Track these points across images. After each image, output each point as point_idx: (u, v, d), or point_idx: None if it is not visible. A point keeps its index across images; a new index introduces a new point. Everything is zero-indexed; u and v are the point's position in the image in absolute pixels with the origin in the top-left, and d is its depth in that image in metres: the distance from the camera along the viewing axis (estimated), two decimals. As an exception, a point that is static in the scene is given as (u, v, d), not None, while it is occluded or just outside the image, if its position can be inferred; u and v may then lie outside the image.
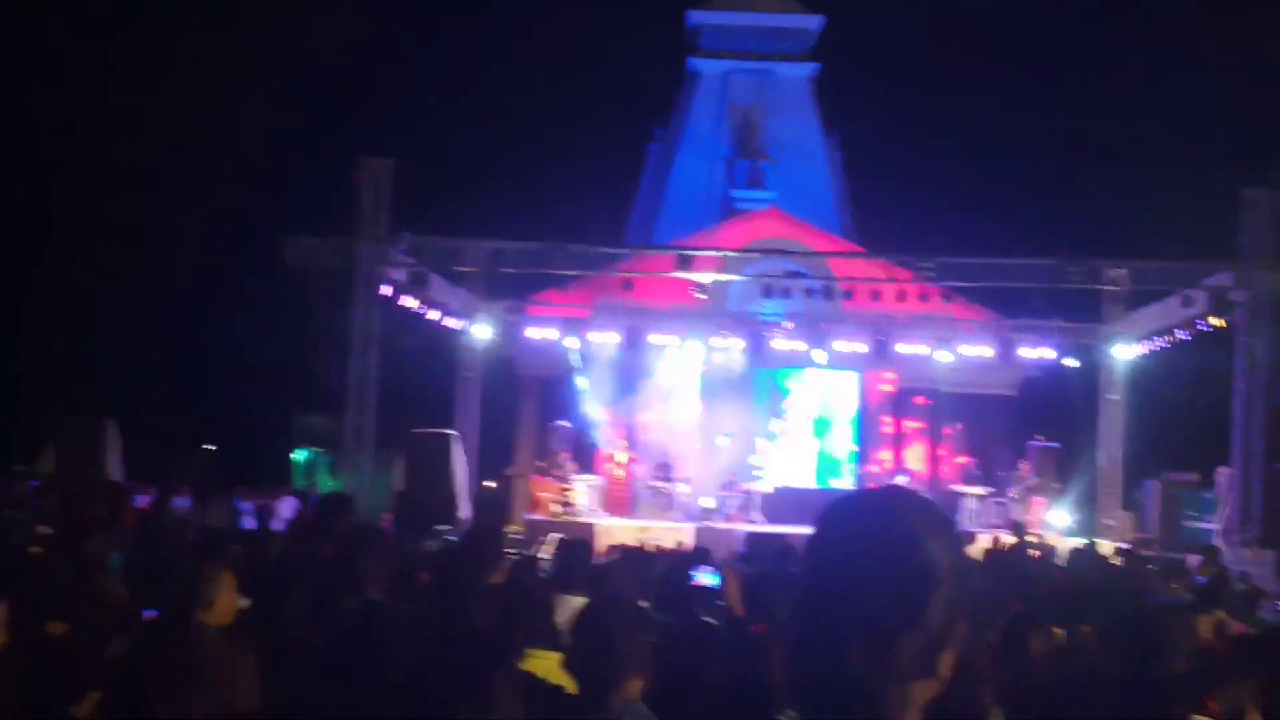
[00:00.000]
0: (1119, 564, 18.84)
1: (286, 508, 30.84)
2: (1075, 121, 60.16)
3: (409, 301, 28.97)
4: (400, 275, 28.28)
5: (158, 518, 23.63)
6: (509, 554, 9.45)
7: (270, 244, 27.64)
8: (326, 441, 34.29)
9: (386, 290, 27.85)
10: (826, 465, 35.62)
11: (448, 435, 30.74)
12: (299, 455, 37.83)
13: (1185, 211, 38.35)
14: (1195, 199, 37.81)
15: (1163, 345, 30.42)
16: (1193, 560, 21.77)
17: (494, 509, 34.20)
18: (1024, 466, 32.67)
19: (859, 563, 2.80)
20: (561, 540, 9.06)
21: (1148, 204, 46.10)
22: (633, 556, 12.43)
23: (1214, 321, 27.19)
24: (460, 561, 7.68)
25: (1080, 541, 23.17)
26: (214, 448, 46.20)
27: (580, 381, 33.67)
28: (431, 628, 5.84)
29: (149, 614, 7.85)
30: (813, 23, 46.98)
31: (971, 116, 61.20)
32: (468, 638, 5.88)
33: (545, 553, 16.90)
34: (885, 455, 35.88)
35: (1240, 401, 27.08)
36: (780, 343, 33.12)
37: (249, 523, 29.87)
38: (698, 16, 47.08)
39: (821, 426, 35.74)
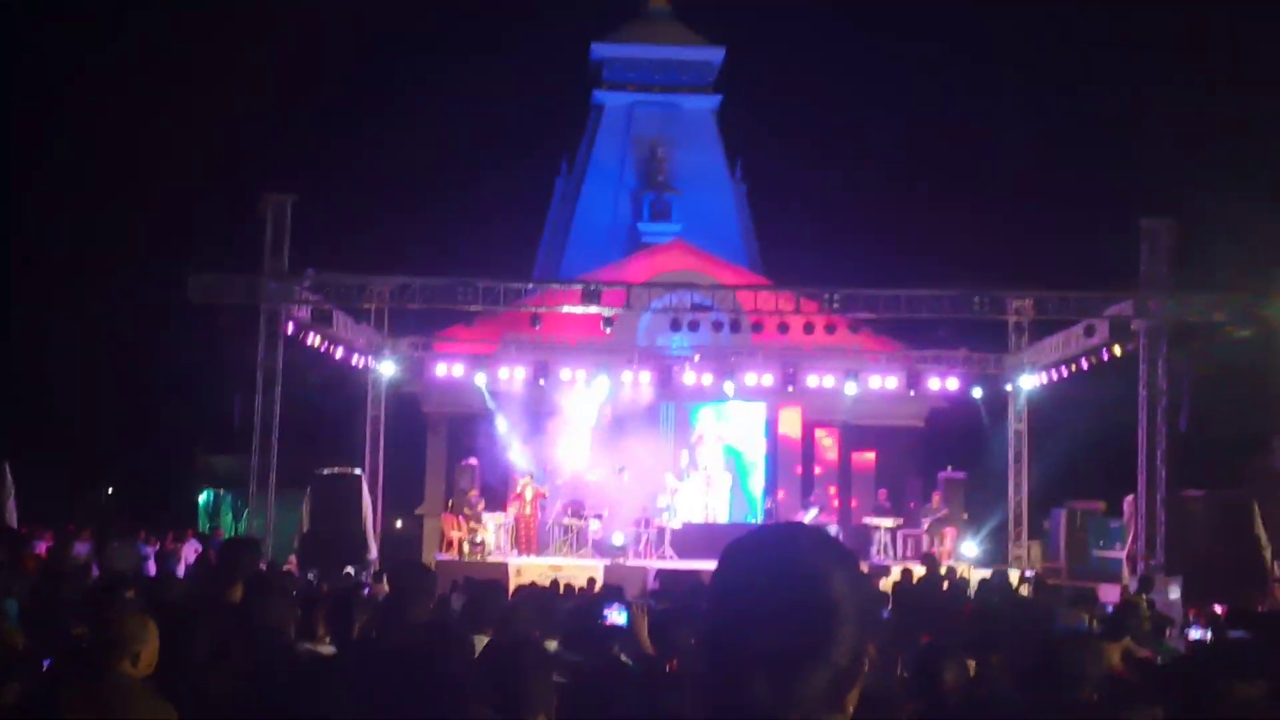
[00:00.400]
0: (1027, 593, 18.91)
1: (190, 551, 30.35)
2: (978, 153, 60.95)
3: (313, 339, 28.66)
4: (304, 312, 27.97)
5: (57, 563, 23.12)
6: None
7: (173, 281, 27.29)
8: (231, 482, 33.83)
9: (290, 327, 27.55)
10: (737, 499, 35.56)
11: (355, 474, 30.39)
12: (203, 497, 37.31)
13: (1087, 241, 38.91)
14: (1096, 229, 38.36)
15: (1067, 374, 30.72)
16: (1109, 590, 21.99)
17: (403, 549, 33.88)
18: (935, 498, 32.80)
19: (762, 598, 2.74)
20: (467, 579, 8.90)
21: (1050, 234, 46.73)
22: (541, 595, 12.28)
23: (1116, 350, 27.49)
24: (396, 602, 7.56)
25: (989, 572, 23.25)
26: (114, 490, 45.45)
27: (500, 422, 33.45)
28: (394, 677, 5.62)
29: (48, 663, 7.60)
30: (715, 55, 47.23)
31: (875, 148, 61.88)
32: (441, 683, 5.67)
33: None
34: (795, 488, 35.89)
35: (1143, 429, 27.38)
36: (689, 376, 33.12)
37: (151, 567, 29.37)
38: (601, 49, 47.18)
39: (731, 460, 35.69)
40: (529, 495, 32.15)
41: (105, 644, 6.30)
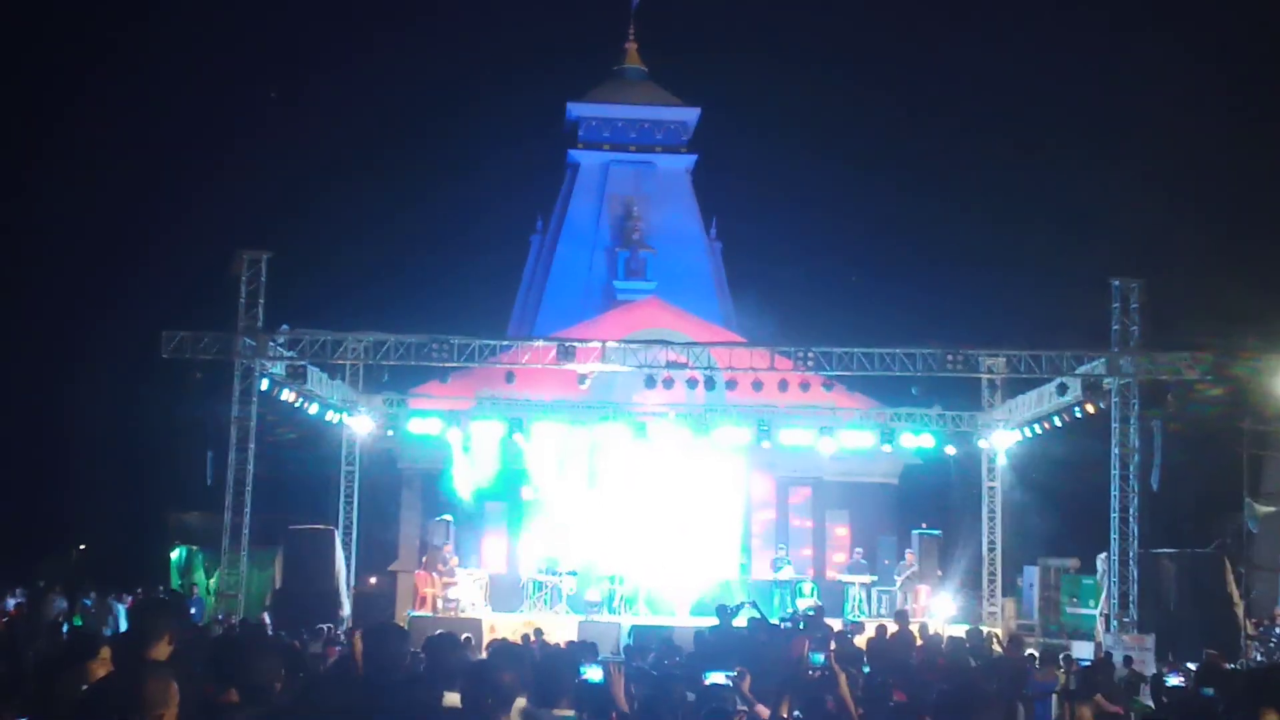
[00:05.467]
0: (999, 651, 18.94)
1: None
2: (951, 212, 61.30)
3: (288, 395, 28.64)
4: (279, 369, 27.97)
5: (27, 621, 22.98)
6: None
7: (147, 336, 27.29)
8: (204, 539, 33.65)
9: (265, 384, 27.53)
10: (714, 556, 35.49)
11: (328, 530, 30.31)
12: (176, 554, 37.09)
13: (1059, 301, 39.16)
14: (1068, 289, 38.63)
15: (1041, 432, 30.86)
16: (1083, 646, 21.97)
17: (377, 605, 33.71)
18: (909, 555, 32.82)
19: None
20: (426, 638, 8.79)
21: (1023, 294, 46.99)
22: (511, 651, 12.23)
23: (1089, 408, 27.65)
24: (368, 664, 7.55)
25: (963, 629, 23.27)
26: (85, 547, 45.11)
27: (471, 474, 33.37)
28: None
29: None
30: (690, 115, 47.54)
31: (848, 208, 62.22)
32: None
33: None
34: (769, 545, 35.84)
35: (1116, 487, 27.49)
36: (664, 433, 33.16)
37: (123, 624, 29.17)
38: (577, 109, 47.45)
39: (708, 517, 35.63)
40: (501, 552, 31.96)
41: (129, 707, 6.28)
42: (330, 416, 32.11)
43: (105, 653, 8.58)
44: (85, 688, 7.30)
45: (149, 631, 8.08)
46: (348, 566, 31.82)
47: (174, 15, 69.55)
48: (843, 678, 9.07)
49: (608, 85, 48.24)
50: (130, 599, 31.33)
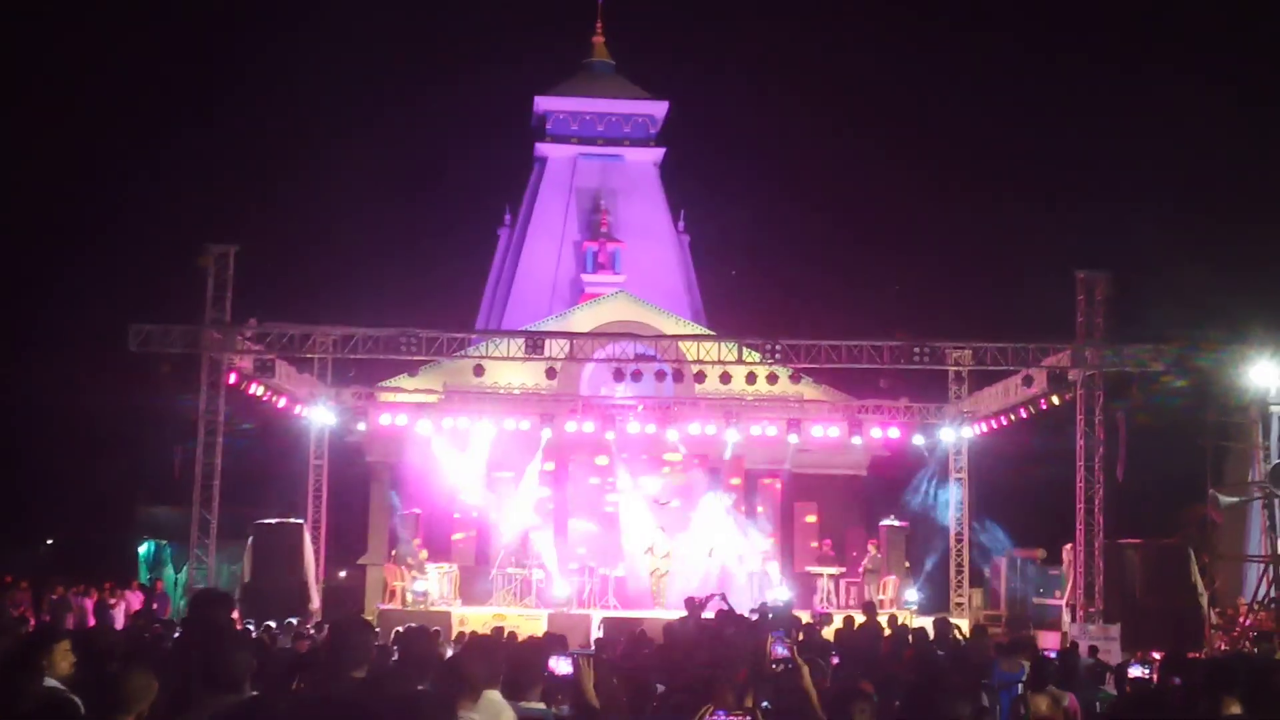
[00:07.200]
0: (964, 641, 19.03)
1: (135, 601, 30.09)
2: (918, 205, 61.54)
3: (256, 389, 28.60)
4: (246, 362, 27.92)
5: (-7, 615, 22.82)
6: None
7: (113, 330, 27.17)
8: (172, 533, 33.55)
9: (232, 377, 27.48)
10: (682, 549, 35.54)
11: (297, 524, 30.26)
12: (143, 548, 36.97)
13: (1024, 294, 39.34)
14: (1033, 281, 38.81)
15: (1007, 424, 31.05)
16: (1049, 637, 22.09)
17: (346, 599, 33.69)
18: (871, 546, 32.96)
19: None
20: (396, 632, 8.83)
21: (988, 287, 47.22)
22: (481, 645, 12.25)
23: (1054, 400, 27.83)
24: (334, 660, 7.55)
25: (930, 619, 23.39)
26: (52, 541, 44.91)
27: (441, 468, 33.36)
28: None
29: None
30: (658, 109, 47.52)
31: (816, 200, 62.35)
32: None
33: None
34: (737, 537, 35.90)
35: (1081, 478, 27.68)
36: (632, 426, 33.25)
37: (90, 618, 29.09)
38: (545, 103, 47.38)
39: (676, 509, 35.68)
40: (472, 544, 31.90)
41: (112, 702, 6.31)
42: (299, 410, 32.08)
43: (65, 645, 8.59)
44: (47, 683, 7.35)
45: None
46: (316, 560, 31.79)
47: (141, 4, 69.29)
48: (805, 669, 9.13)
49: (575, 79, 48.20)
50: (97, 594, 31.25)
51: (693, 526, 34.35)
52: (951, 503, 34.57)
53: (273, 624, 22.77)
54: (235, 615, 26.09)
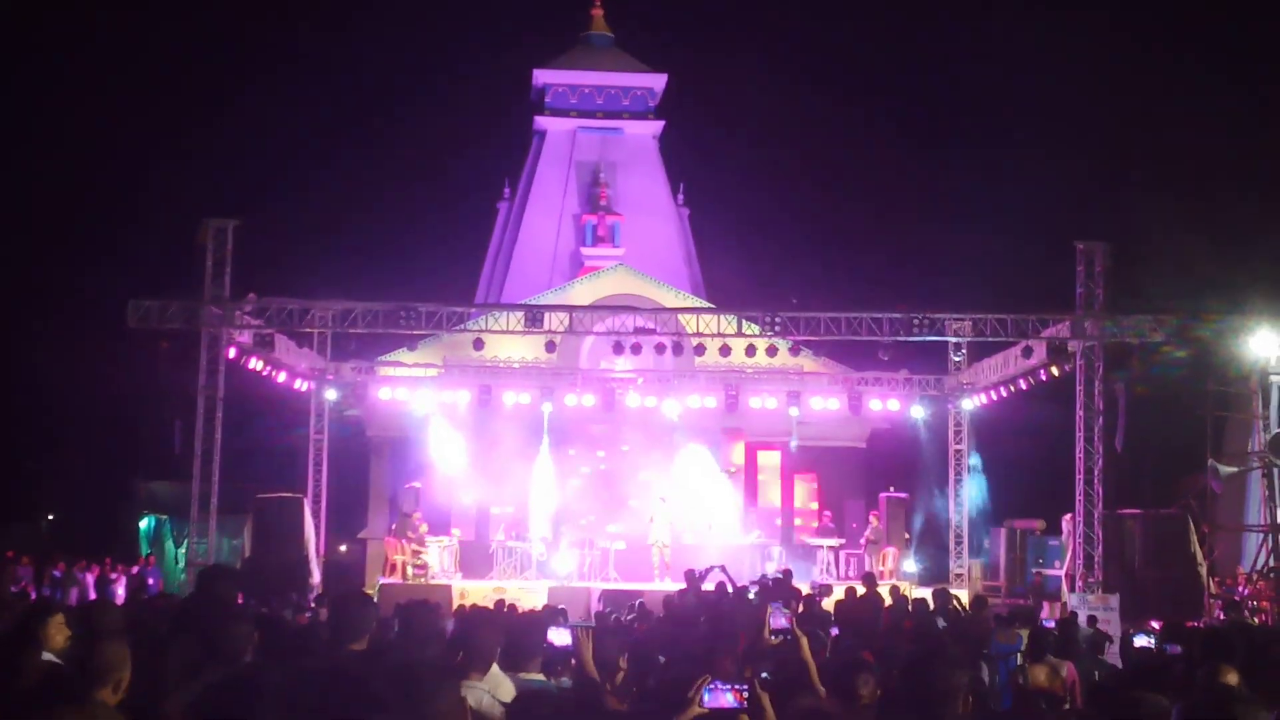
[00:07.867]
0: (964, 612, 19.07)
1: (132, 577, 30.16)
2: (916, 178, 61.46)
3: (255, 363, 28.59)
4: (246, 337, 27.89)
5: (-6, 590, 22.90)
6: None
7: (112, 306, 27.15)
8: (172, 508, 33.61)
9: (232, 352, 27.46)
10: (682, 521, 35.55)
11: (297, 499, 30.28)
12: (144, 523, 37.04)
13: (1024, 265, 39.32)
14: (1032, 253, 38.79)
15: (1007, 395, 31.06)
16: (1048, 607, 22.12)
17: (347, 573, 33.75)
18: (872, 517, 33.00)
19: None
20: (397, 605, 8.84)
21: (988, 258, 47.15)
22: (481, 616, 12.29)
23: (1054, 371, 27.82)
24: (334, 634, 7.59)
25: (930, 590, 23.43)
26: (53, 517, 45.00)
27: (441, 441, 33.36)
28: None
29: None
30: (657, 82, 47.40)
31: (815, 173, 62.27)
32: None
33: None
34: (739, 510, 35.92)
35: (1080, 449, 27.69)
36: (632, 399, 33.28)
37: (91, 593, 29.16)
38: (544, 76, 47.28)
39: (676, 482, 35.67)
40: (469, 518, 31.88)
41: (88, 672, 6.32)
42: (298, 385, 32.10)
43: (59, 619, 8.60)
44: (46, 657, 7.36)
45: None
46: (317, 535, 31.81)
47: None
48: (804, 640, 9.14)
49: (574, 52, 48.09)
50: (98, 569, 31.33)
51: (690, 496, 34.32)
52: (950, 474, 34.58)
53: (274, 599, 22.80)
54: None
